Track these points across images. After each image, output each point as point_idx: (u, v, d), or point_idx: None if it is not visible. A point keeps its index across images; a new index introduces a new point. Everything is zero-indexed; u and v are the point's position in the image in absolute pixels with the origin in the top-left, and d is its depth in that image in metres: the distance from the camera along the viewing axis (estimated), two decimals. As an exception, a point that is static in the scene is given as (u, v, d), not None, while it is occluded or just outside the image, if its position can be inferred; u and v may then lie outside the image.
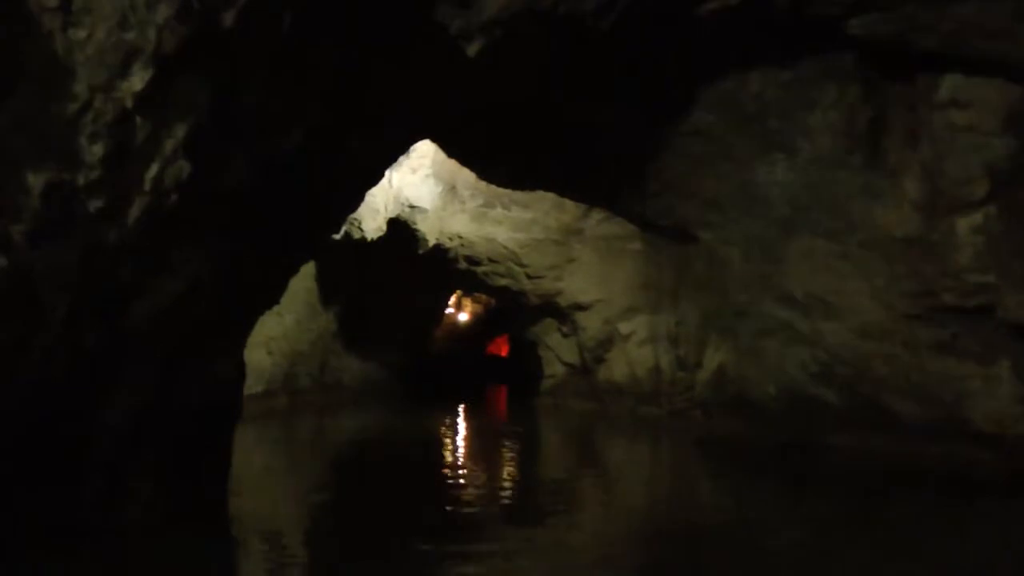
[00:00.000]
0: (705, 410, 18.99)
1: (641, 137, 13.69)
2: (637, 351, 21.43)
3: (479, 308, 38.88)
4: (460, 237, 20.78)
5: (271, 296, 10.80)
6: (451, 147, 14.93)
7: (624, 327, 21.62)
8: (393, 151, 11.45)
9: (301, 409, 21.55)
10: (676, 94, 12.83)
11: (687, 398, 20.13)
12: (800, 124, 12.91)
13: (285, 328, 20.13)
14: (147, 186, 6.62)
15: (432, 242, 20.33)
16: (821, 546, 9.05)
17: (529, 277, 21.93)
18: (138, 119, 6.32)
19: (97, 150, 6.19)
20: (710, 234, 15.82)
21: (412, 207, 19.41)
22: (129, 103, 6.20)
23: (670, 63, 11.88)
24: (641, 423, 20.42)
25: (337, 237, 17.88)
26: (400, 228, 19.68)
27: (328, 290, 21.50)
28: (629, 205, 16.30)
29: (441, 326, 35.60)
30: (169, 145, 6.60)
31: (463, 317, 39.19)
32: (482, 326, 39.31)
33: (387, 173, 18.05)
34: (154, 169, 6.61)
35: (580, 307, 22.08)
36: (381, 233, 18.96)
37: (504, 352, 41.91)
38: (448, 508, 10.75)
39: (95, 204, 6.36)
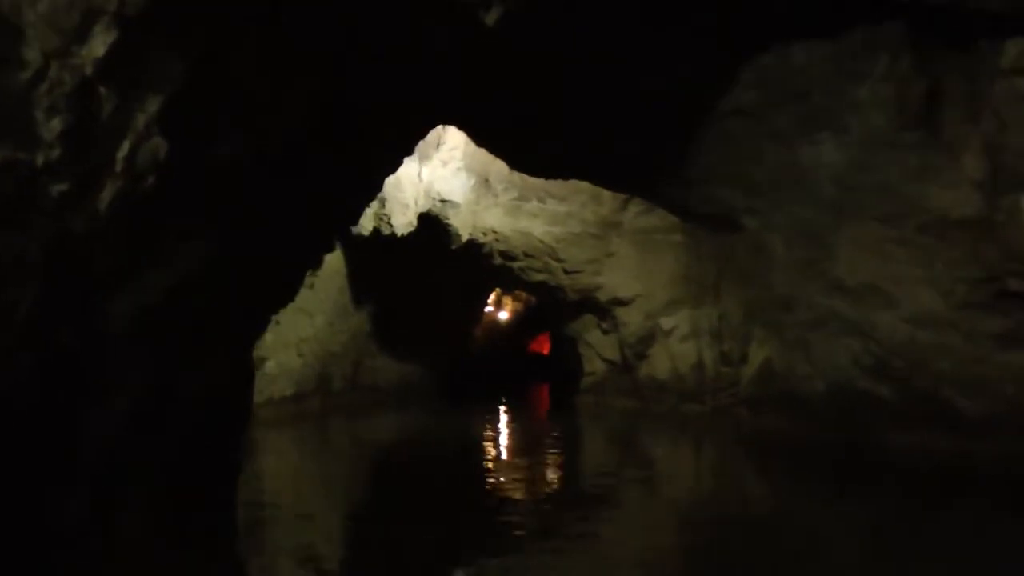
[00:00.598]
0: (750, 407, 18.14)
1: (679, 119, 12.75)
2: (679, 347, 20.60)
3: (519, 306, 38.12)
4: (494, 232, 19.93)
5: (282, 295, 9.95)
6: (479, 134, 14.08)
7: (665, 322, 20.78)
8: (410, 135, 10.62)
9: (334, 412, 20.79)
10: (715, 71, 11.89)
11: (731, 394, 19.36)
12: (848, 99, 11.90)
13: (316, 329, 19.39)
14: (118, 167, 5.84)
15: (465, 237, 19.48)
16: (874, 551, 8.62)
17: (566, 272, 21.05)
18: (102, 90, 5.52)
19: (55, 125, 5.39)
20: (753, 221, 14.83)
21: (443, 201, 18.59)
22: (90, 71, 5.40)
23: (709, 37, 10.95)
24: (684, 421, 19.60)
25: (366, 233, 17.15)
26: (431, 223, 18.86)
27: (360, 289, 20.72)
28: (668, 193, 15.35)
29: (481, 325, 35.00)
30: (141, 120, 5.81)
31: (503, 315, 38.51)
32: (523, 324, 38.62)
33: (416, 166, 17.35)
34: (125, 147, 5.82)
35: (620, 302, 21.20)
36: (412, 228, 18.15)
37: (546, 350, 41.12)
38: (488, 514, 10.34)
39: (58, 187, 5.57)
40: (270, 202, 7.86)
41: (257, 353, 15.60)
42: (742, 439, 17.31)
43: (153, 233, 6.44)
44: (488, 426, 20.39)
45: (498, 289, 34.53)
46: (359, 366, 22.78)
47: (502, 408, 24.48)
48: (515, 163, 15.35)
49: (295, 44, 6.83)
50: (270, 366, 17.71)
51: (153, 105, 5.80)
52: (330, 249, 13.05)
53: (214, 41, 6.06)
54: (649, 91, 11.83)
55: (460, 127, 14.47)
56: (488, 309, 35.63)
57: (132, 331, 6.71)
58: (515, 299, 37.57)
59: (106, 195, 5.85)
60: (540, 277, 21.32)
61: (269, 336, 17.21)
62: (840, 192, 12.89)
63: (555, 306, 22.94)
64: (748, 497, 12.29)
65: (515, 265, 20.95)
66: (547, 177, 16.70)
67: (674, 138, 13.11)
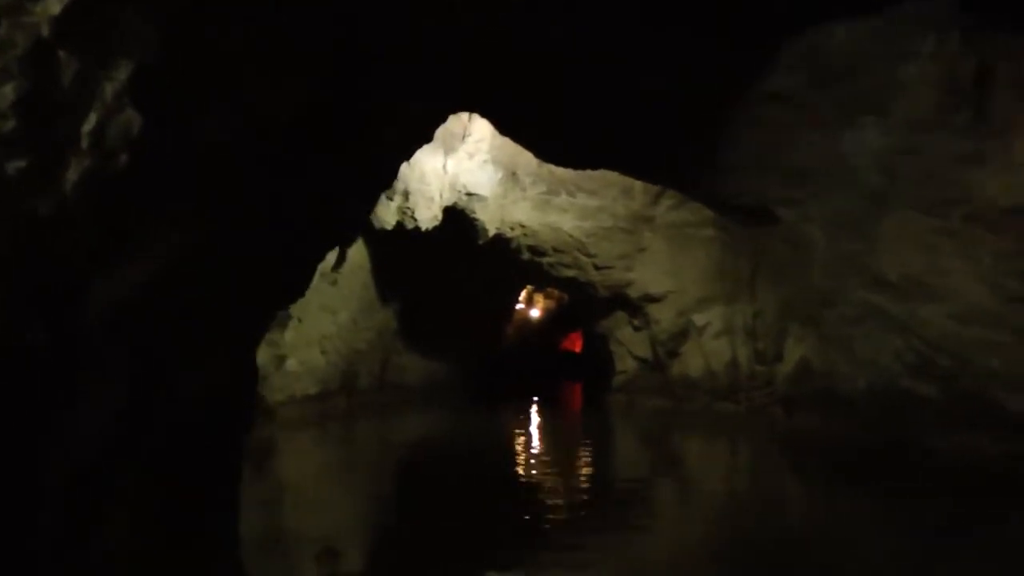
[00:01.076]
0: (786, 406, 17.45)
1: (713, 105, 11.97)
2: (712, 344, 19.99)
3: (551, 304, 37.13)
4: (522, 226, 19.20)
5: (285, 294, 9.24)
6: (503, 123, 13.29)
7: (698, 319, 20.16)
8: (428, 120, 9.91)
9: (361, 411, 20.16)
10: (752, 52, 11.11)
11: (766, 394, 18.77)
12: (893, 80, 11.05)
13: (340, 326, 18.77)
14: (85, 142, 5.20)
15: (492, 232, 18.76)
16: (920, 560, 8.28)
17: (597, 268, 20.32)
18: (61, 53, 4.87)
19: (8, 93, 4.76)
20: (791, 212, 14.00)
21: (470, 194, 17.88)
22: (46, 31, 4.76)
23: (745, 15, 10.18)
24: (718, 420, 18.94)
25: (388, 227, 16.49)
26: (457, 217, 18.15)
27: (386, 285, 20.07)
28: (701, 184, 14.55)
29: (512, 322, 34.15)
30: (109, 90, 5.17)
31: (535, 313, 37.62)
32: (555, 322, 37.62)
33: (442, 159, 16.69)
34: (92, 120, 5.19)
35: (651, 299, 20.47)
36: (436, 223, 17.46)
37: (578, 348, 39.92)
38: (518, 518, 9.92)
39: (15, 164, 4.95)
40: (267, 197, 7.20)
41: (276, 351, 15.04)
42: (778, 439, 16.66)
43: (130, 219, 5.77)
44: (519, 426, 19.77)
45: (530, 286, 33.65)
46: (386, 364, 22.14)
47: (533, 407, 23.86)
48: (542, 152, 14.56)
49: (289, 32, 6.16)
50: (292, 364, 17.10)
51: (123, 73, 5.16)
52: (340, 239, 12.33)
53: (196, 5, 5.40)
54: (682, 75, 11.06)
55: (483, 114, 13.75)
56: (519, 306, 34.85)
57: (111, 325, 6.05)
58: (547, 296, 36.66)
59: (72, 174, 5.22)
60: (570, 273, 20.59)
61: (290, 334, 16.61)
62: (883, 180, 12.04)
63: (585, 303, 22.20)
64: (784, 500, 11.88)
65: (544, 261, 20.23)
66: (575, 167, 15.91)
67: (707, 125, 12.32)
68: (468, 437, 17.06)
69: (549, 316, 37.51)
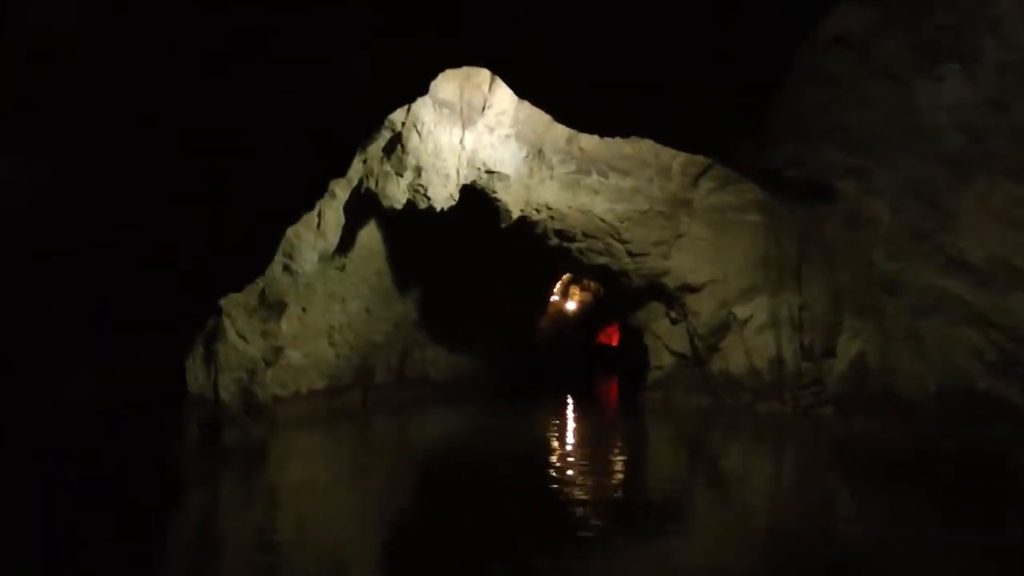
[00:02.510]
0: (839, 408, 15.61)
1: (763, 55, 9.77)
2: (756, 338, 18.17)
3: (588, 296, 35.53)
4: (549, 208, 17.09)
5: (237, 268, 7.23)
6: (520, 78, 11.08)
7: (741, 311, 18.28)
8: (426, 67, 7.85)
9: (378, 407, 18.22)
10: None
11: (814, 393, 17.02)
12: (982, 16, 8.82)
13: (350, 316, 16.77)
14: None
15: (516, 214, 16.66)
16: None
17: (631, 255, 18.17)
18: None
19: None
20: (852, 185, 11.74)
21: (490, 172, 15.80)
22: None
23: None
24: (762, 422, 17.14)
25: (398, 207, 14.44)
26: (477, 197, 16.10)
27: (403, 272, 18.03)
28: (746, 153, 12.23)
29: (547, 315, 32.53)
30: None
31: (571, 306, 35.96)
32: (591, 315, 35.77)
33: (459, 132, 14.70)
34: None
35: (690, 288, 18.38)
36: (453, 203, 15.40)
37: (615, 341, 38.29)
38: (548, 530, 8.47)
39: None
40: (187, 109, 5.19)
41: (273, 343, 13.08)
42: (829, 444, 14.87)
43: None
44: (550, 426, 17.63)
45: (565, 278, 32.70)
46: (406, 357, 20.15)
47: (568, 404, 22.00)
48: (566, 115, 12.21)
49: None
50: (295, 357, 15.14)
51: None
52: (306, 202, 10.19)
53: None
54: (724, 16, 8.89)
55: (495, 70, 11.70)
56: (554, 299, 33.20)
57: None
58: (584, 288, 35.02)
59: None
60: (601, 260, 18.45)
61: (291, 324, 14.67)
62: (966, 141, 9.79)
63: (618, 293, 20.01)
64: (835, 515, 9.93)
65: (573, 246, 18.10)
66: (603, 132, 13.55)
67: (756, 79, 10.10)
68: (495, 438, 15.04)
69: (585, 309, 35.83)
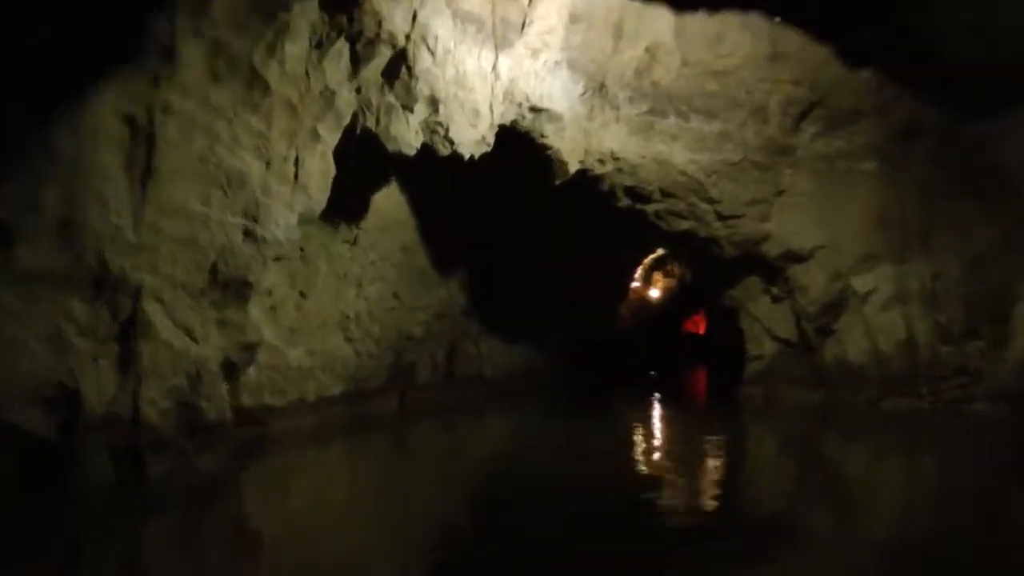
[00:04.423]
0: (1002, 403, 12.28)
1: None
2: (880, 317, 14.47)
3: (672, 282, 32.69)
4: (615, 158, 13.10)
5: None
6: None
7: (860, 283, 14.53)
8: None
9: (418, 414, 14.43)
10: None
11: (960, 385, 13.61)
12: None
13: (370, 303, 13.04)
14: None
15: (574, 166, 12.64)
16: None
17: (722, 217, 14.21)
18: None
19: None
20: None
21: (536, 110, 11.81)
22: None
23: None
24: (890, 422, 13.33)
25: (410, 152, 10.45)
26: (517, 142, 12.09)
27: (439, 247, 14.24)
28: (894, 27, 8.08)
29: (628, 302, 29.60)
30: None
31: (654, 293, 33.21)
32: (676, 301, 32.48)
33: (490, 55, 10.90)
34: None
35: (795, 257, 14.49)
36: (486, 148, 11.41)
37: (702, 329, 34.68)
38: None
39: None
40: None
41: (238, 338, 9.30)
42: (988, 452, 10.87)
43: None
44: (634, 430, 13.77)
45: (646, 262, 29.82)
46: (454, 352, 16.38)
47: (653, 402, 18.10)
48: None
49: None
50: (294, 356, 11.48)
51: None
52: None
53: None
54: None
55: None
56: (635, 285, 30.31)
57: None
58: (667, 274, 32.49)
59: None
60: (685, 225, 14.42)
61: (283, 314, 11.08)
62: None
63: (707, 267, 15.92)
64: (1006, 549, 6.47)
65: (649, 208, 14.10)
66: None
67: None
68: (567, 449, 11.29)
69: (670, 296, 32.90)
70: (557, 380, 20.04)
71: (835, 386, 14.56)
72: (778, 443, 12.66)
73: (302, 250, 11.04)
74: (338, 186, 9.69)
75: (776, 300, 15.28)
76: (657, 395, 19.26)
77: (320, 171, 9.44)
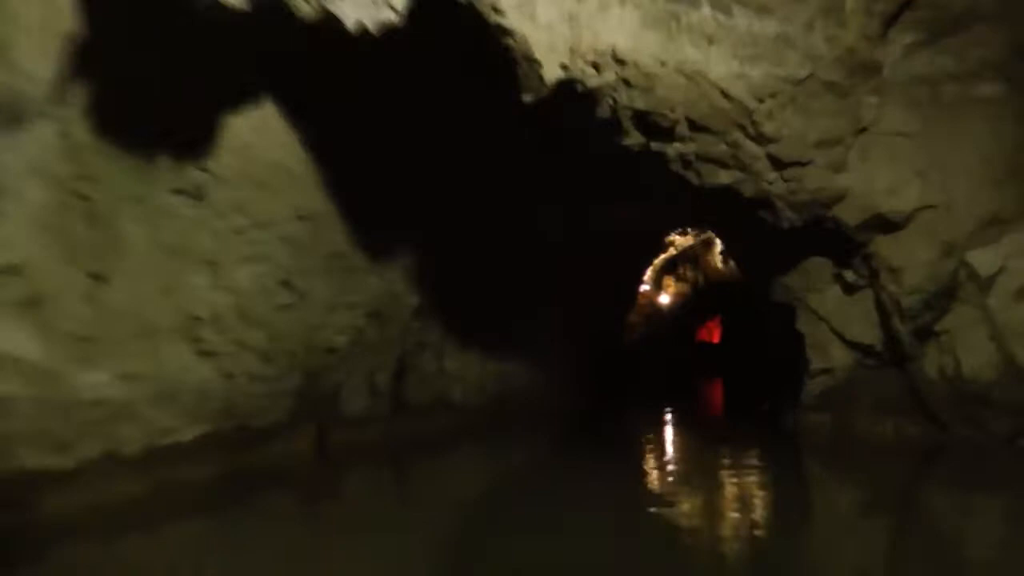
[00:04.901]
0: None
1: None
2: (1011, 310, 9.74)
3: (684, 287, 30.03)
4: (619, 61, 8.08)
5: None
6: None
7: (980, 261, 9.90)
8: None
9: (346, 459, 9.91)
10: None
11: None
12: None
13: (239, 295, 8.20)
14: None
15: (554, 72, 7.67)
16: None
17: (779, 164, 9.36)
18: None
19: None
20: None
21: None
22: None
23: None
24: None
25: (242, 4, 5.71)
26: (461, 22, 7.19)
27: (370, 222, 9.47)
28: None
29: (637, 309, 27.16)
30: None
31: (664, 299, 30.44)
32: (688, 308, 30.02)
33: None
34: None
35: (885, 225, 9.92)
36: (393, 21, 6.46)
37: (716, 338, 32.30)
38: None
39: None
40: None
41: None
42: None
43: None
44: (652, 476, 9.44)
45: (656, 263, 26.83)
46: (404, 372, 11.67)
47: (668, 429, 13.95)
48: None
49: None
50: (90, 385, 6.77)
51: None
52: None
53: None
54: None
55: None
56: (644, 288, 27.54)
57: None
58: (679, 279, 29.94)
59: None
60: (724, 178, 9.48)
61: (66, 314, 6.48)
62: None
63: (754, 240, 11.17)
64: None
65: (670, 149, 9.14)
66: None
67: None
68: (571, 525, 6.64)
69: (682, 302, 30.28)
70: (553, 406, 15.46)
71: (944, 414, 9.91)
72: (861, 505, 8.02)
73: (86, 199, 6.36)
74: (142, 86, 5.04)
75: (851, 290, 10.60)
76: (675, 421, 14.73)
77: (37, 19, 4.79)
